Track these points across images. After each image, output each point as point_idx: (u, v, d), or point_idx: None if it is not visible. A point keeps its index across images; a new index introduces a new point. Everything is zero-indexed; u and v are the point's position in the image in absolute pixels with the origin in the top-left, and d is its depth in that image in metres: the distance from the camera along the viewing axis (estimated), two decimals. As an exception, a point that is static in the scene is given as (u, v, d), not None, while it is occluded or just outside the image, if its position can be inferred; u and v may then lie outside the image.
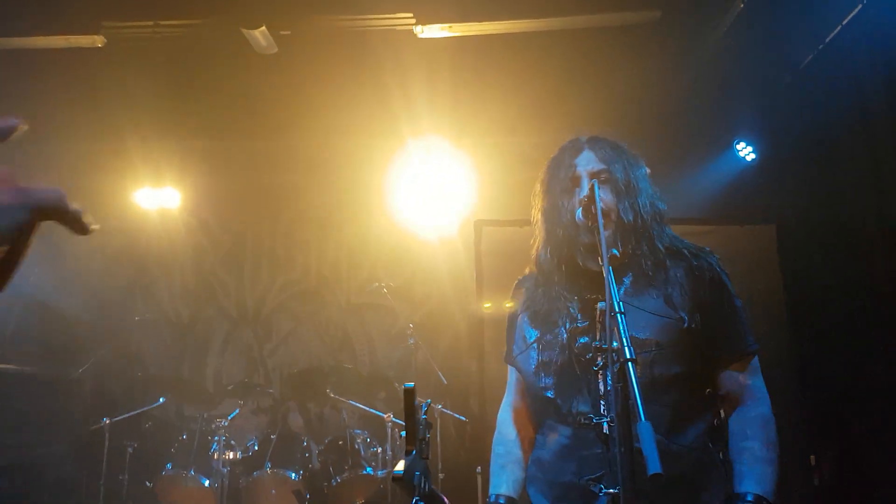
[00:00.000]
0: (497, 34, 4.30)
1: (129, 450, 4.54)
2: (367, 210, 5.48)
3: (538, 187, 1.86)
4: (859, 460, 3.99)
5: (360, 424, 4.57)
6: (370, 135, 5.16)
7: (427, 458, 1.32)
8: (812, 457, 4.37)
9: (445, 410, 4.61)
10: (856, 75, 3.65)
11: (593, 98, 4.42)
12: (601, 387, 1.64)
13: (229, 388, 4.69)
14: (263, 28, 4.21)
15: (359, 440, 4.43)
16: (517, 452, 1.87)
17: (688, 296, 1.67)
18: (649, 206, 1.74)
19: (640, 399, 1.21)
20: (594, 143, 1.81)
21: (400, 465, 1.27)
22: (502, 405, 1.98)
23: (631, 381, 1.25)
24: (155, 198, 5.50)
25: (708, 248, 1.79)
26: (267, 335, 5.61)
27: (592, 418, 1.63)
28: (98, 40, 4.28)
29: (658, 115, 4.68)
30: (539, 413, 1.80)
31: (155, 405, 4.69)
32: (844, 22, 3.70)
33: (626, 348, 1.28)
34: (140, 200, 5.52)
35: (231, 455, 4.37)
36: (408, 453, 1.29)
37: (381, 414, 4.50)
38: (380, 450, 4.45)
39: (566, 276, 1.77)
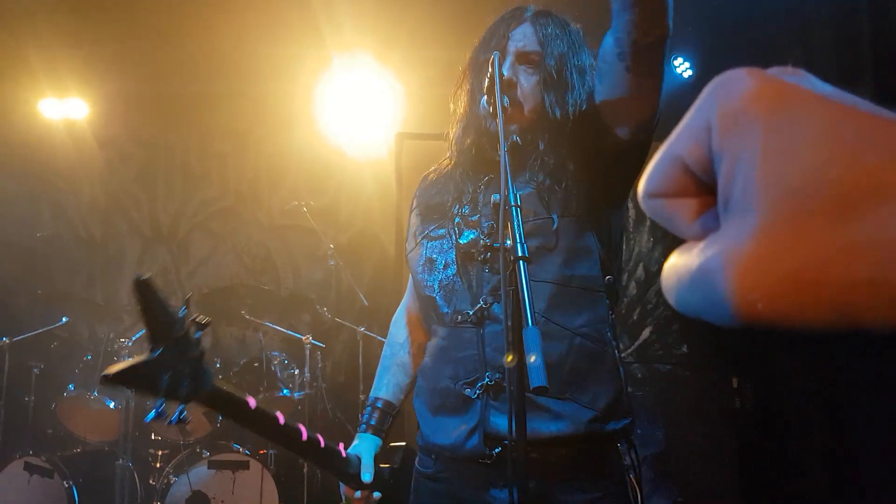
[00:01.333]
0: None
1: (35, 371, 4.33)
2: (288, 124, 5.19)
3: (467, 58, 1.69)
4: (780, 385, 4.04)
5: (277, 346, 4.44)
6: (291, 43, 4.82)
7: (194, 355, 1.15)
8: (734, 379, 4.43)
9: (368, 332, 4.49)
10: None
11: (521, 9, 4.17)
12: (484, 284, 1.52)
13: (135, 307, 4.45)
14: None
15: (275, 362, 4.30)
16: (403, 356, 1.77)
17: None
18: (577, 103, 1.54)
19: (529, 302, 1.10)
20: (539, 17, 1.60)
21: (120, 365, 1.07)
22: (399, 307, 1.87)
23: (521, 283, 1.13)
24: (60, 108, 5.10)
25: None
26: (184, 256, 5.36)
27: (469, 313, 1.51)
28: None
29: (594, 34, 4.47)
30: (425, 315, 1.69)
31: (58, 324, 4.45)
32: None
33: (519, 245, 1.16)
34: (44, 111, 5.13)
35: (139, 376, 4.19)
36: (152, 351, 1.10)
37: (299, 336, 4.36)
38: (297, 371, 4.34)
39: (471, 161, 1.62)
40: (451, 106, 1.69)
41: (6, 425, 4.25)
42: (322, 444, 1.44)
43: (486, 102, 1.44)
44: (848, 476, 3.35)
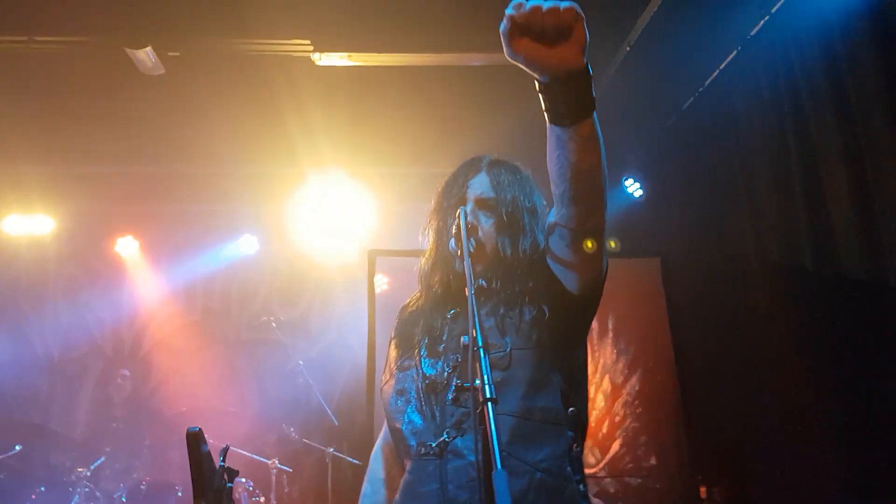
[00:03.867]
0: (396, 66, 4.27)
1: (-20, 502, 4.07)
2: (260, 240, 5.25)
3: (432, 202, 1.80)
4: (748, 489, 4.08)
5: (243, 472, 4.26)
6: (267, 163, 4.98)
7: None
8: (702, 488, 4.45)
9: (338, 454, 4.38)
10: (734, 115, 3.85)
11: (488, 131, 4.44)
12: (447, 417, 1.54)
13: (98, 434, 4.29)
14: (149, 48, 3.99)
15: (241, 489, 4.13)
16: (383, 492, 1.75)
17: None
18: (529, 244, 1.66)
19: (497, 444, 1.12)
20: (494, 166, 1.75)
21: None
22: (377, 442, 1.85)
23: (490, 424, 1.15)
24: (25, 225, 5.08)
25: None
26: (145, 374, 5.20)
27: (432, 445, 1.52)
28: (-35, 52, 3.93)
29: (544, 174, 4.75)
30: (397, 448, 1.68)
31: (10, 453, 4.21)
32: (722, 66, 3.90)
33: (487, 387, 1.19)
34: (7, 227, 5.09)
35: (94, 507, 3.97)
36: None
37: (265, 460, 4.22)
38: (263, 499, 4.17)
39: (438, 296, 1.70)
40: (420, 243, 1.81)
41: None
42: None
43: (455, 245, 1.58)
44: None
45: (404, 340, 1.73)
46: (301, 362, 4.62)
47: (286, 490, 4.30)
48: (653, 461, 4.66)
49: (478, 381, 1.22)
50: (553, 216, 1.52)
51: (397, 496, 1.62)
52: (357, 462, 4.40)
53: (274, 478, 4.14)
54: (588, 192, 1.40)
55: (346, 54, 4.16)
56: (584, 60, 1.19)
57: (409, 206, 4.94)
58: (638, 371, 4.83)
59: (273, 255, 5.28)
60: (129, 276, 5.34)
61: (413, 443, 1.56)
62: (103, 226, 5.23)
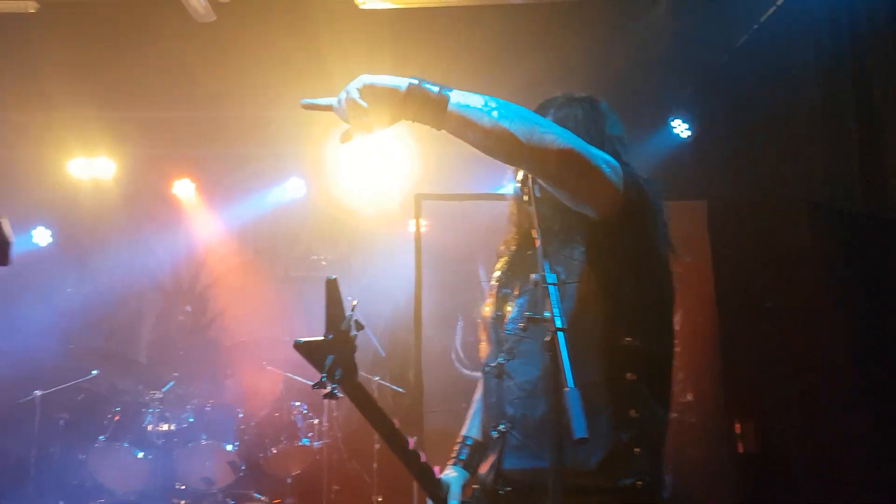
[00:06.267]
0: (437, 7, 4.32)
1: (61, 422, 4.47)
2: (306, 183, 5.44)
3: None
4: (781, 429, 4.18)
5: (297, 396, 4.57)
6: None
7: (350, 350, 1.42)
8: (737, 425, 4.57)
9: (383, 382, 4.65)
10: (788, 54, 3.77)
11: (531, 73, 4.47)
12: (502, 342, 1.72)
13: (164, 361, 4.65)
14: (202, -6, 4.13)
15: (295, 412, 4.45)
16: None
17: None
18: None
19: (569, 367, 1.24)
20: (563, 106, 1.77)
21: (306, 339, 1.40)
22: None
23: (560, 350, 1.27)
24: (89, 168, 5.38)
25: None
26: (203, 308, 5.54)
27: (492, 365, 1.72)
28: (30, 6, 4.13)
29: (595, 91, 4.75)
30: None
31: (87, 377, 4.60)
32: (779, 2, 3.82)
33: (557, 318, 1.31)
34: (73, 170, 5.40)
35: (166, 427, 4.34)
36: (326, 335, 1.39)
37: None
38: (317, 421, 4.48)
39: (516, 240, 1.85)
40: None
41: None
42: (422, 460, 1.63)
43: (521, 191, 1.67)
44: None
45: (492, 273, 1.90)
46: (350, 298, 4.84)
47: (335, 414, 4.60)
48: (689, 397, 4.79)
49: (547, 314, 1.34)
50: None
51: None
52: (400, 390, 4.65)
53: (325, 402, 4.43)
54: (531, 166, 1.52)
55: (388, -4, 4.23)
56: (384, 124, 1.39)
57: (449, 151, 5.06)
58: (679, 311, 4.89)
59: (317, 197, 5.48)
60: (186, 218, 5.63)
61: (484, 362, 1.79)
62: (161, 169, 5.50)
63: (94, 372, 4.63)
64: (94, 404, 4.64)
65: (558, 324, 1.31)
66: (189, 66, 4.79)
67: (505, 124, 1.38)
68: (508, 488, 1.64)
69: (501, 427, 1.66)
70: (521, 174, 1.65)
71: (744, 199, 4.47)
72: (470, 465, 1.84)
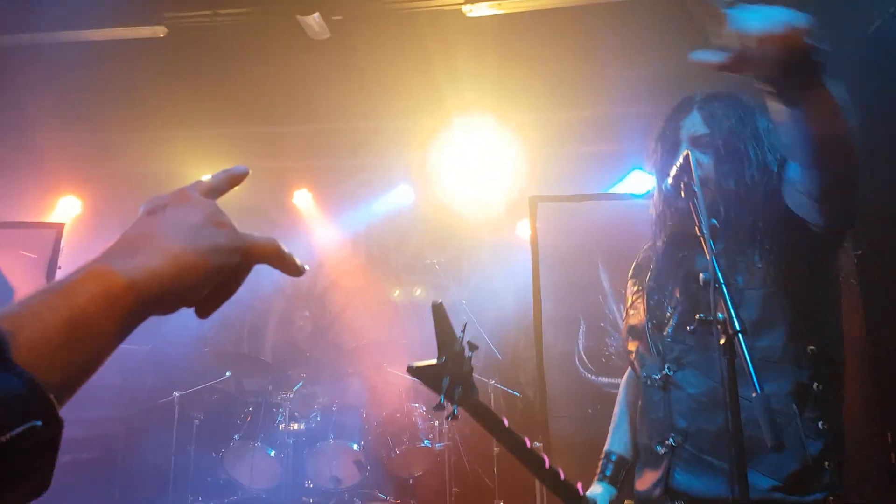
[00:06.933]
0: (544, 10, 4.31)
1: (196, 422, 4.74)
2: (415, 189, 5.57)
3: (649, 151, 1.84)
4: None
5: (416, 398, 4.70)
6: (417, 114, 5.23)
7: (468, 370, 1.43)
8: (889, 434, 4.30)
9: (499, 385, 4.70)
10: None
11: (639, 72, 4.40)
12: (666, 352, 1.68)
13: (290, 362, 4.87)
14: (317, 14, 4.30)
15: (416, 413, 4.56)
16: (629, 412, 1.94)
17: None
18: (756, 171, 1.62)
19: (753, 370, 1.18)
20: (706, 102, 1.73)
21: (419, 363, 1.42)
22: (628, 369, 2.01)
23: (743, 354, 1.21)
24: (211, 181, 5.69)
25: None
26: (322, 311, 5.78)
27: (656, 378, 1.69)
28: (160, 31, 4.43)
29: (709, 88, 4.61)
30: (634, 378, 1.89)
31: (221, 379, 4.89)
32: None
33: (735, 319, 1.24)
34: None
35: (296, 426, 4.55)
36: (439, 358, 1.42)
37: (507, 389, 4.64)
38: (437, 423, 4.58)
39: (665, 241, 1.77)
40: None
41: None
42: (562, 477, 1.60)
43: (673, 186, 1.53)
44: None
45: (639, 280, 1.86)
46: (464, 301, 4.95)
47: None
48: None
49: (721, 315, 1.27)
50: (791, 169, 1.49)
51: (638, 417, 1.84)
52: (516, 393, 4.69)
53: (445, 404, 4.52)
54: (823, 160, 1.35)
55: (495, 2, 4.26)
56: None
57: (556, 151, 5.06)
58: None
59: (424, 203, 5.62)
60: (305, 225, 5.89)
61: (643, 374, 1.75)
62: (281, 180, 5.77)
63: (228, 373, 4.91)
64: (227, 404, 4.92)
65: (736, 325, 1.23)
66: (305, 82, 5.00)
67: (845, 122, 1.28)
68: (679, 503, 1.64)
69: (671, 441, 1.63)
70: (674, 170, 1.50)
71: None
72: (616, 481, 1.82)
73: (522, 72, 4.85)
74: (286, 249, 0.66)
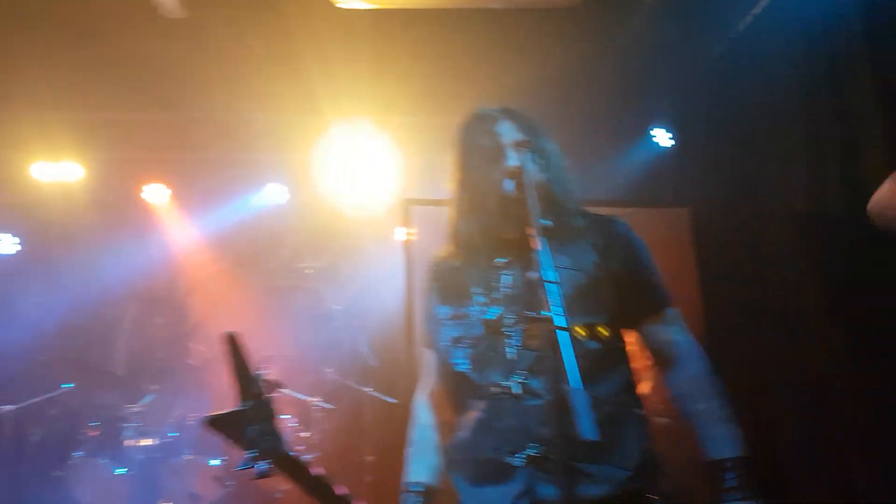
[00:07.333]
0: (418, 9, 4.22)
1: (33, 438, 4.31)
2: (289, 189, 5.31)
3: (456, 157, 1.80)
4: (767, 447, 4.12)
5: (287, 409, 4.49)
6: (289, 109, 4.97)
7: (270, 414, 1.27)
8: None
9: (374, 393, 4.59)
10: (767, 62, 3.80)
11: (513, 80, 4.42)
12: (513, 354, 1.63)
13: (144, 373, 4.52)
14: (168, -13, 3.95)
15: (282, 425, 4.35)
16: (433, 437, 1.84)
17: (601, 253, 1.70)
18: (569, 179, 1.78)
19: (574, 367, 1.20)
20: (509, 113, 1.78)
21: (217, 412, 1.22)
22: (417, 390, 1.93)
23: (566, 349, 1.23)
24: (53, 171, 5.16)
25: (617, 216, 1.85)
26: (182, 318, 5.36)
27: (507, 386, 1.61)
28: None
29: (577, 100, 4.75)
30: (455, 392, 1.76)
31: (62, 391, 4.43)
32: (756, 11, 3.84)
33: (558, 317, 1.27)
34: (36, 174, 5.18)
35: (147, 442, 4.21)
36: (242, 403, 1.23)
37: (310, 398, 4.46)
38: (309, 434, 4.40)
39: (484, 247, 1.73)
40: (451, 200, 1.82)
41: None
42: None
43: (513, 188, 1.59)
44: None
45: (450, 292, 1.78)
46: (338, 307, 4.77)
47: (325, 427, 4.54)
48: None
49: (546, 313, 1.28)
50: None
51: (462, 433, 1.71)
52: (392, 400, 4.58)
53: (315, 415, 4.36)
54: None
55: (366, -7, 4.10)
56: None
57: (433, 156, 4.97)
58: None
59: (300, 204, 5.35)
60: (160, 224, 5.44)
61: (481, 383, 1.65)
62: (131, 173, 5.29)
63: (70, 385, 4.46)
64: (72, 419, 4.47)
65: (560, 322, 1.26)
66: (159, 66, 4.58)
67: None
68: None
69: (531, 451, 1.57)
70: (514, 162, 1.62)
71: (727, 205, 4.40)
72: None
73: (396, 73, 4.72)
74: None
